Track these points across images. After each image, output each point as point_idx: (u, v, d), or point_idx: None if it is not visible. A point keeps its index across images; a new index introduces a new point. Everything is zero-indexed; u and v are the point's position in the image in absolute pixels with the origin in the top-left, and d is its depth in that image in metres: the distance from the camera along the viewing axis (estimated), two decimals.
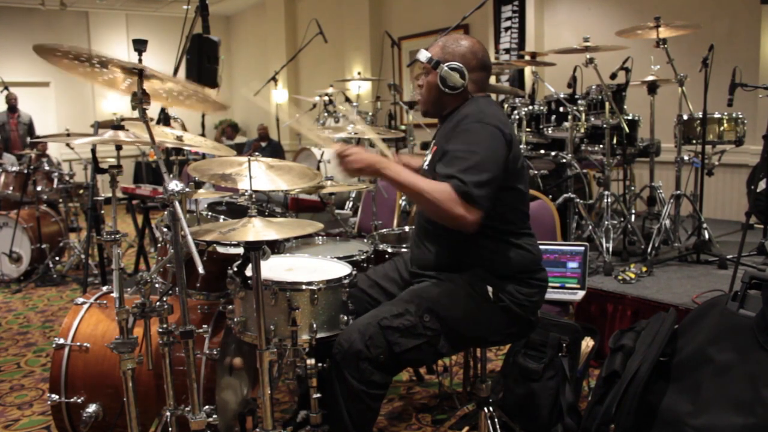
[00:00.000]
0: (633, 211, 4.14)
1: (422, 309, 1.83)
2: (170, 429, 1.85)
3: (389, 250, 2.46)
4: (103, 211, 3.80)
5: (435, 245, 1.98)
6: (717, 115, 3.75)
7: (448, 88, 1.94)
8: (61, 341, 2.18)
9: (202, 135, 3.19)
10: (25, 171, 4.96)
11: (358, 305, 2.00)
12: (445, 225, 1.79)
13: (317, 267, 2.14)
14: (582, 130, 3.77)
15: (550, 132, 4.00)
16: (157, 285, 2.26)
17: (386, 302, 1.93)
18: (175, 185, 1.55)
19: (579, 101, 3.76)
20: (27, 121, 6.87)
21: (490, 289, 1.88)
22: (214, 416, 1.73)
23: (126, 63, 1.60)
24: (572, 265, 2.75)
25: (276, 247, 2.43)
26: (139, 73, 1.62)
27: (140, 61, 1.61)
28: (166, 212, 2.28)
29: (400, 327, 1.80)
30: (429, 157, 2.01)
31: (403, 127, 6.07)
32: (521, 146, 3.89)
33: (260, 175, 2.01)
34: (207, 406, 1.74)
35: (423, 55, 1.99)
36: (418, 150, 5.67)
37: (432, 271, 1.98)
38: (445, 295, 1.87)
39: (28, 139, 6.83)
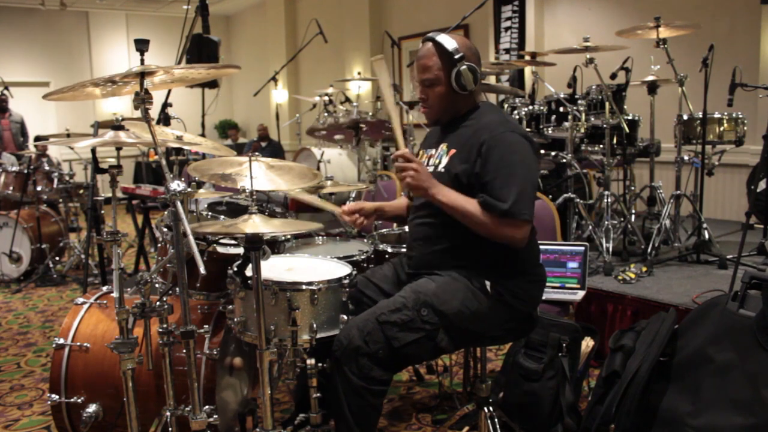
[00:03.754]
0: (633, 211, 4.13)
1: (419, 303, 1.84)
2: (170, 429, 1.85)
3: (389, 250, 2.46)
4: (103, 211, 3.80)
5: (433, 247, 1.97)
6: (717, 115, 3.75)
7: (460, 88, 1.92)
8: (61, 341, 2.18)
9: (202, 135, 3.19)
10: (25, 171, 4.96)
11: (357, 307, 2.00)
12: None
13: (317, 267, 2.14)
14: (582, 130, 3.77)
15: (550, 132, 4.00)
16: (157, 285, 2.26)
17: (385, 299, 1.93)
18: (177, 185, 1.55)
19: (579, 101, 3.76)
20: (19, 120, 6.85)
21: (488, 283, 1.88)
22: (215, 416, 1.73)
23: (130, 72, 1.60)
24: (572, 265, 2.75)
25: (276, 247, 2.43)
26: (141, 75, 1.63)
27: (142, 61, 1.61)
28: (166, 212, 2.28)
29: (398, 322, 1.80)
30: (445, 160, 1.96)
31: (403, 127, 6.06)
32: None
33: (260, 175, 2.01)
34: (207, 406, 1.74)
35: (449, 43, 1.91)
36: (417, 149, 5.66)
37: (430, 270, 1.98)
38: (442, 289, 1.88)
39: (21, 139, 6.81)
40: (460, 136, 1.96)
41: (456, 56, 1.90)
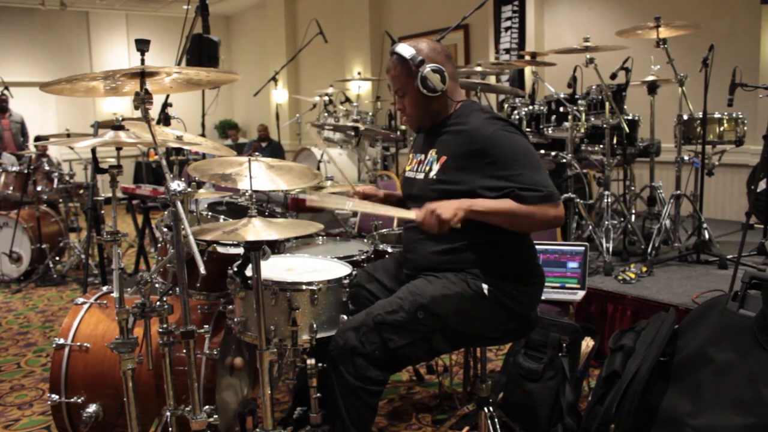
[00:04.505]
0: (633, 211, 4.13)
1: (416, 305, 1.83)
2: (170, 429, 1.85)
3: (389, 250, 2.46)
4: (103, 211, 3.79)
5: (431, 249, 1.97)
6: (717, 115, 3.75)
7: (428, 91, 1.92)
8: (61, 341, 2.18)
9: (202, 135, 3.20)
10: (25, 171, 4.96)
11: (356, 300, 2.00)
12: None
13: (317, 267, 2.14)
14: (582, 130, 3.77)
15: (550, 132, 4.00)
16: (157, 285, 2.27)
17: (381, 300, 1.93)
18: (177, 185, 1.55)
19: (579, 101, 3.76)
20: (19, 120, 6.86)
21: (485, 286, 1.88)
22: (215, 416, 1.73)
23: (129, 69, 1.60)
24: (572, 265, 2.75)
25: (276, 247, 2.43)
26: (141, 74, 1.63)
27: (143, 61, 1.61)
28: (167, 212, 2.28)
29: (393, 323, 1.80)
30: (437, 167, 1.95)
31: (402, 127, 6.07)
32: None
33: (260, 175, 2.01)
34: (207, 406, 1.75)
35: (407, 51, 1.93)
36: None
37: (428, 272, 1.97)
38: (439, 292, 1.87)
39: (21, 139, 6.81)
40: (448, 141, 1.96)
41: (416, 61, 1.91)
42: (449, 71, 1.95)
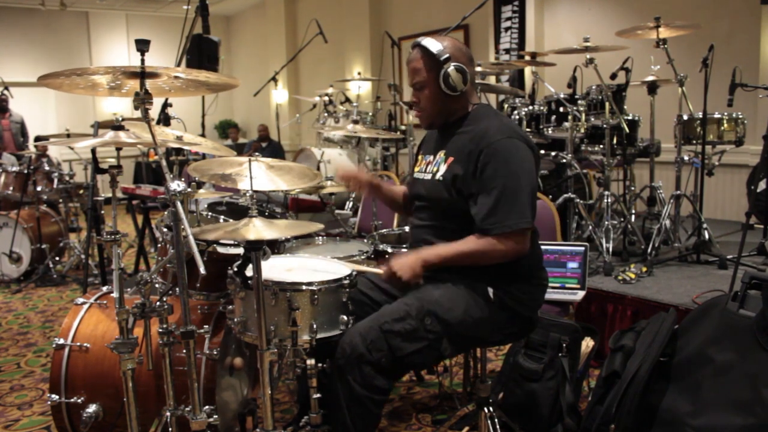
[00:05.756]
0: (633, 211, 4.14)
1: (423, 312, 1.83)
2: (170, 429, 1.85)
3: (389, 250, 2.46)
4: (103, 211, 3.79)
5: None
6: (717, 115, 3.75)
7: (449, 89, 1.92)
8: (61, 341, 2.18)
9: (202, 135, 3.20)
10: (25, 171, 4.96)
11: (357, 307, 1.99)
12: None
13: (317, 267, 2.14)
14: (582, 130, 3.77)
15: (550, 132, 4.00)
16: (157, 285, 2.27)
17: (387, 305, 1.92)
18: (177, 185, 1.55)
19: (579, 101, 3.76)
20: (19, 121, 6.86)
21: (490, 290, 1.88)
22: (215, 416, 1.73)
23: (129, 68, 1.60)
24: (572, 265, 2.75)
25: (276, 247, 2.43)
26: (141, 74, 1.63)
27: (143, 61, 1.61)
28: (167, 212, 2.28)
29: (401, 331, 1.80)
30: (444, 168, 1.96)
31: (403, 128, 6.07)
32: None
33: (260, 176, 2.01)
34: (207, 406, 1.74)
35: (434, 45, 1.92)
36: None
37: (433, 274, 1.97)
38: (446, 297, 1.87)
39: (21, 139, 6.82)
40: (457, 143, 1.96)
41: (442, 58, 1.90)
42: (470, 73, 1.95)
